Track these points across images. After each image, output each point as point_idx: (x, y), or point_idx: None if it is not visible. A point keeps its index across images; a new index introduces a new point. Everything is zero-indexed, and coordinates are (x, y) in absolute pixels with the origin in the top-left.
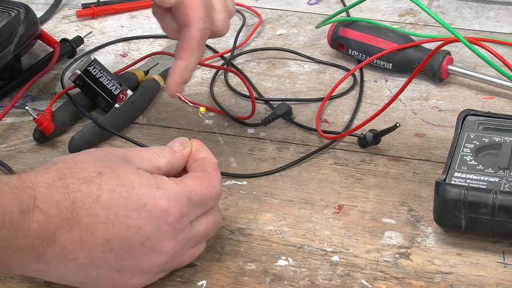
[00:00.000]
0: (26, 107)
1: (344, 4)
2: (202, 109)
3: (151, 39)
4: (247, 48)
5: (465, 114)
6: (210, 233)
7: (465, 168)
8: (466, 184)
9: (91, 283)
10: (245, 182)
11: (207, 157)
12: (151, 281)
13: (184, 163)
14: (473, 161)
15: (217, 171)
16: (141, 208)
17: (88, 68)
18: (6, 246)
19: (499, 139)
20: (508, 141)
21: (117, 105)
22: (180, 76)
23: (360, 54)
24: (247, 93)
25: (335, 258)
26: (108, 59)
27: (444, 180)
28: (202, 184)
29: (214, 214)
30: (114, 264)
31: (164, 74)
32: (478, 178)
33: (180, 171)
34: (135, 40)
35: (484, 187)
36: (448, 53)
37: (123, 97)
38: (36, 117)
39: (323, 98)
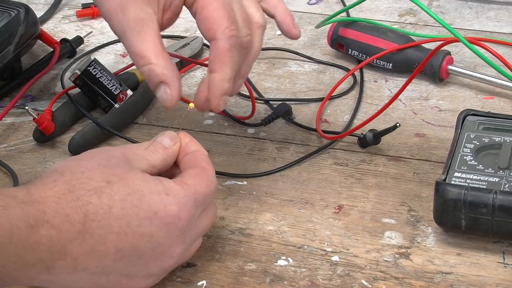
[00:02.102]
0: (26, 107)
1: (344, 4)
2: (191, 104)
3: None
4: None
5: (465, 114)
6: (209, 227)
7: (465, 168)
8: (466, 184)
9: None
10: (245, 182)
11: (197, 149)
12: (156, 282)
13: (175, 158)
14: (473, 161)
15: (210, 164)
16: (152, 216)
17: (88, 68)
18: (15, 261)
19: (499, 139)
20: (508, 141)
21: (117, 105)
22: (218, 88)
23: (360, 54)
24: (247, 93)
25: (335, 258)
26: (108, 59)
27: (444, 180)
28: (203, 181)
29: (211, 208)
30: (124, 271)
31: None
32: (478, 178)
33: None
34: None
35: (484, 187)
36: (448, 53)
37: (123, 97)
38: (36, 117)
39: (323, 98)
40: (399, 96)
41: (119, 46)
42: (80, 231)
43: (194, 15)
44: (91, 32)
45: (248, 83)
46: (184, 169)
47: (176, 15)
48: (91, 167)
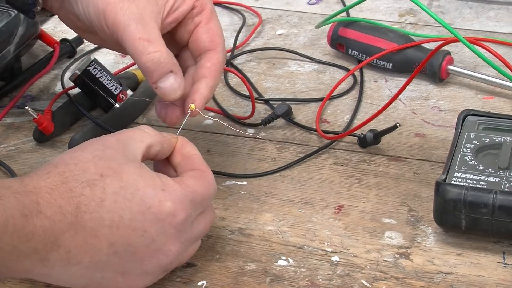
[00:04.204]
0: (26, 107)
1: (344, 4)
2: (192, 105)
3: None
4: (247, 48)
5: (465, 114)
6: (206, 230)
7: (465, 168)
8: (466, 184)
9: (94, 286)
10: (245, 182)
11: (194, 153)
12: (153, 282)
13: (171, 150)
14: (473, 161)
15: (208, 167)
16: (146, 210)
17: (88, 68)
18: (10, 251)
19: (499, 139)
20: (508, 141)
21: (117, 105)
22: (209, 93)
23: (360, 54)
24: (247, 93)
25: (335, 258)
26: (108, 59)
27: (444, 180)
28: (202, 183)
29: (209, 212)
30: (118, 267)
31: None
32: (478, 178)
33: (166, 167)
34: None
35: (484, 187)
36: (448, 53)
37: (123, 97)
38: (36, 117)
39: (323, 98)
40: (399, 96)
41: None
42: (73, 223)
43: (195, 25)
44: None
45: (248, 83)
46: (181, 172)
47: (176, 21)
48: (85, 159)
